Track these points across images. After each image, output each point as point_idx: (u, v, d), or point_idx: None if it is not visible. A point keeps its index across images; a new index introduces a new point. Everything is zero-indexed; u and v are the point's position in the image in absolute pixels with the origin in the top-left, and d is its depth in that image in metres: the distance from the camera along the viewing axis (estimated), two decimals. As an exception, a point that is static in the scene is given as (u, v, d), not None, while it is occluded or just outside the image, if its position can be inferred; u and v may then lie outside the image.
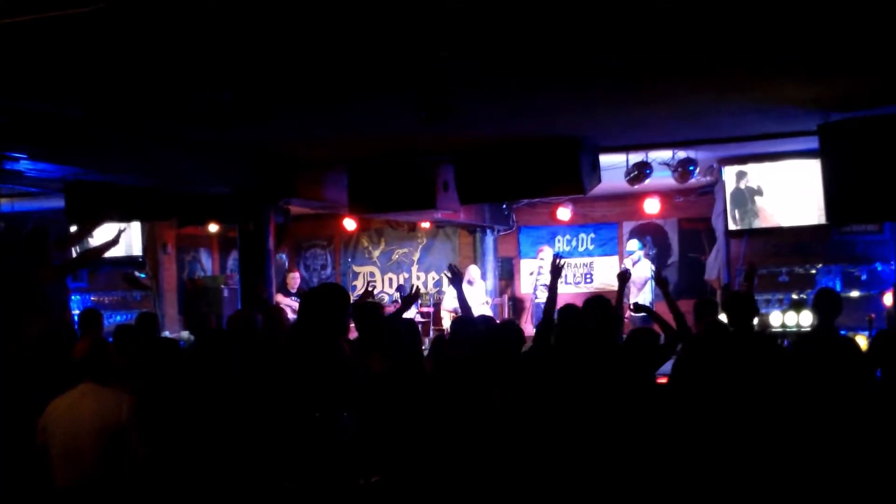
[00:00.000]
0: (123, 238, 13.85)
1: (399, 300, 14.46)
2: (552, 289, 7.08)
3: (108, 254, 14.07)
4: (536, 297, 13.82)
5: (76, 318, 8.89)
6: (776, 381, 6.06)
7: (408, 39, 5.89)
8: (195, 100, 7.28)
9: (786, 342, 9.93)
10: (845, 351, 6.81)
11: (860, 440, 6.28)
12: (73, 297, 14.11)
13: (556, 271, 7.16)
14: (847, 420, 6.42)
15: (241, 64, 6.46)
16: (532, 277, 14.42)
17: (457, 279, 7.66)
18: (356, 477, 4.64)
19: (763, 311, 11.66)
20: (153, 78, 6.75)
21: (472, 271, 14.26)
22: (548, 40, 6.01)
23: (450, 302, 13.82)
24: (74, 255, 10.16)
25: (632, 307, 8.90)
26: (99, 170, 9.04)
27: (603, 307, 6.49)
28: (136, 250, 14.63)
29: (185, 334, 13.76)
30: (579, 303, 7.01)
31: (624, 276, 7.53)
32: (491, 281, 15.17)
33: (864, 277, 12.15)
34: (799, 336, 8.77)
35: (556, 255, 7.37)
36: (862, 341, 9.14)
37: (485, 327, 6.61)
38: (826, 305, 6.92)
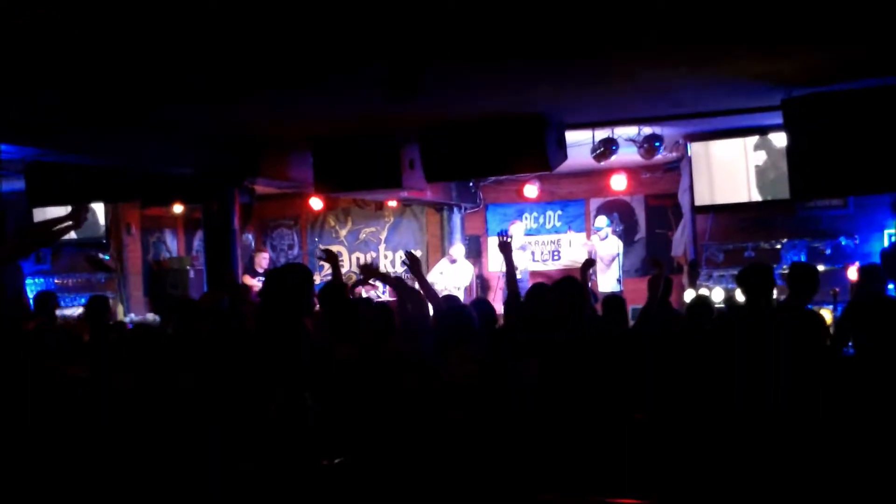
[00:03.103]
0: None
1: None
2: (507, 265, 7.10)
3: (71, 234, 14.09)
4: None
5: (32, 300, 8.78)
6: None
7: (372, 17, 5.84)
8: (158, 80, 7.21)
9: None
10: (811, 324, 6.88)
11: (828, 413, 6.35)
12: (36, 280, 14.01)
13: (503, 247, 7.18)
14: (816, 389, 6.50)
15: (205, 44, 6.37)
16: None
17: (507, 248, 7.49)
18: (319, 457, 4.62)
19: (730, 286, 11.75)
20: (115, 59, 6.66)
21: (456, 250, 14.26)
22: (513, 16, 5.98)
23: (433, 278, 13.84)
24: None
25: (651, 260, 9.02)
26: (60, 151, 8.92)
27: (573, 288, 6.49)
28: (100, 232, 14.47)
29: (150, 317, 13.66)
30: (548, 280, 7.04)
31: (589, 263, 7.42)
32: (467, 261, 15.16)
33: (828, 252, 12.27)
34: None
35: (501, 234, 7.37)
36: (826, 315, 9.23)
37: (447, 305, 6.63)
38: (796, 279, 7.00)
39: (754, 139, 11.32)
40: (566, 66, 7.51)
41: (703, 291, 11.35)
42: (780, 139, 10.33)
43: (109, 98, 7.96)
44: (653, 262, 8.18)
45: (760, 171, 11.38)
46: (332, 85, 7.91)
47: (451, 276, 13.95)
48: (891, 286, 7.32)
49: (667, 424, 5.95)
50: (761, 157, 11.37)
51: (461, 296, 13.27)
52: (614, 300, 7.47)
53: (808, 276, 7.02)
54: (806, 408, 6.39)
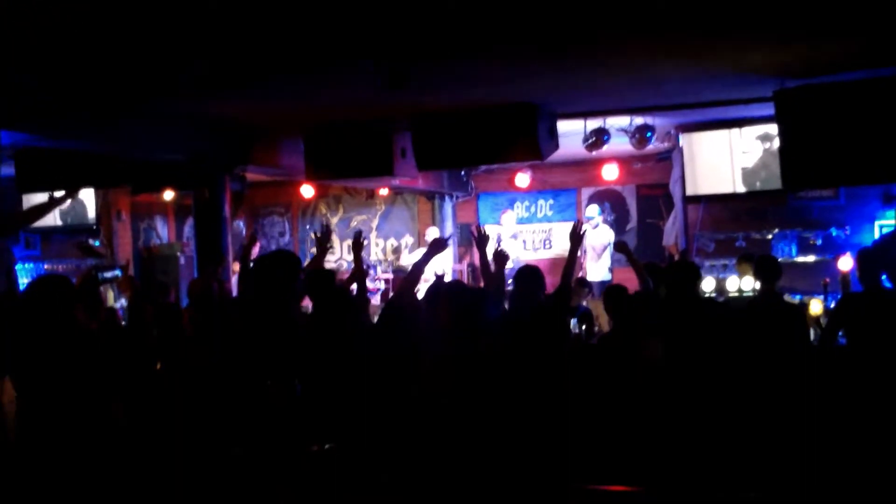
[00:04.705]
0: (76, 204, 13.82)
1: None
2: (571, 254, 6.93)
3: (62, 222, 14.07)
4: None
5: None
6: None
7: (368, 8, 5.81)
8: (150, 66, 7.16)
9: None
10: (789, 315, 7.03)
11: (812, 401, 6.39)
12: (26, 265, 13.95)
13: (575, 238, 6.98)
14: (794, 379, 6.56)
15: (197, 31, 6.34)
16: (492, 243, 14.39)
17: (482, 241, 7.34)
18: (308, 444, 4.62)
19: (720, 276, 11.77)
20: (106, 44, 6.61)
21: (431, 233, 14.26)
22: (504, 3, 5.96)
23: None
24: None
25: (615, 246, 8.91)
26: (50, 137, 8.87)
27: (532, 276, 6.56)
28: (90, 218, 14.43)
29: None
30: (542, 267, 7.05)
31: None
32: (451, 248, 15.15)
33: (819, 243, 12.30)
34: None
35: (577, 222, 7.18)
36: (817, 305, 9.26)
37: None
38: (767, 271, 7.19)
39: (747, 129, 11.33)
40: (558, 55, 7.48)
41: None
42: (771, 130, 10.35)
43: (100, 84, 7.92)
44: (618, 246, 8.15)
45: (753, 162, 11.40)
46: (324, 74, 7.88)
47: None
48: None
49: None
50: (753, 147, 11.39)
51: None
52: (617, 291, 7.41)
53: (771, 264, 7.35)
54: (784, 397, 6.46)
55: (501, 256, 6.73)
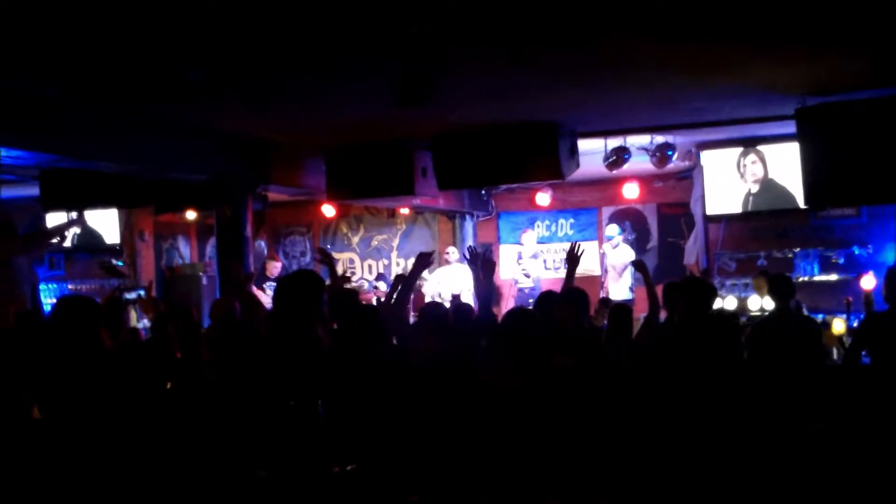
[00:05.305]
0: (100, 226, 13.93)
1: (377, 287, 14.54)
2: (568, 277, 7.03)
3: (85, 242, 14.16)
4: (518, 282, 13.78)
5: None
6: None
7: (385, 18, 5.83)
8: (171, 83, 7.20)
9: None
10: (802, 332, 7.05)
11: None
12: (49, 285, 14.06)
13: (572, 260, 7.07)
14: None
15: (218, 45, 6.38)
16: (513, 263, 14.38)
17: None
18: (331, 465, 4.62)
19: (742, 295, 11.73)
20: (129, 58, 6.66)
21: (452, 253, 14.25)
22: (526, 24, 5.98)
23: (432, 287, 13.86)
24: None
25: (633, 265, 8.96)
26: (75, 157, 8.94)
27: (578, 299, 6.55)
28: (113, 238, 14.52)
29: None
30: (558, 287, 7.03)
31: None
32: (468, 267, 15.07)
33: (841, 261, 12.23)
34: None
35: (574, 243, 7.26)
36: (839, 324, 9.22)
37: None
38: (781, 289, 7.24)
39: (768, 148, 11.31)
40: (580, 74, 7.50)
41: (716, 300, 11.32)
42: (792, 149, 10.34)
43: (122, 101, 7.98)
44: (636, 265, 8.14)
45: (774, 180, 11.38)
46: (344, 91, 7.91)
47: (447, 281, 13.91)
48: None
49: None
50: (774, 165, 11.35)
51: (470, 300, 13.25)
52: (621, 310, 7.41)
53: (784, 282, 7.47)
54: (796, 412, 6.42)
55: (487, 263, 6.73)
